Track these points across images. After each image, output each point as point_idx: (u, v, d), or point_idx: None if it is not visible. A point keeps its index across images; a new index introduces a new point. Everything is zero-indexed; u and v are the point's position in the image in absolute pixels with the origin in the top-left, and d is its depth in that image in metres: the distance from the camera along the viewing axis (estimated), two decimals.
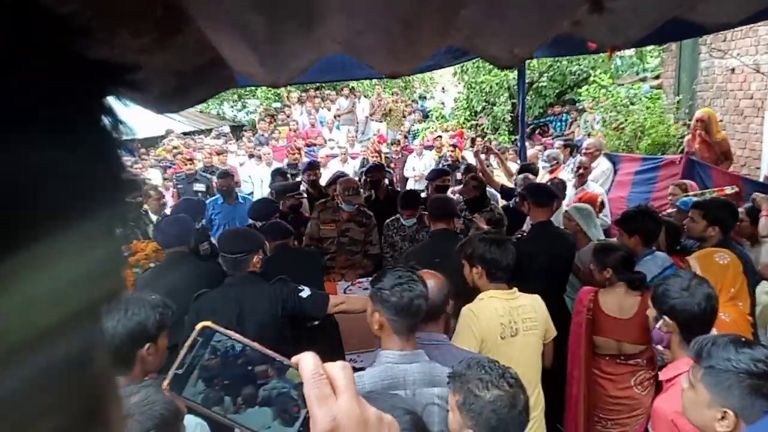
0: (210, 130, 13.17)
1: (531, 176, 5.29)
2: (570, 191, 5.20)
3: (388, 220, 4.47)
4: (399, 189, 6.02)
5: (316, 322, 3.51)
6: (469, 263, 2.61)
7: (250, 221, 4.41)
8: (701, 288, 2.06)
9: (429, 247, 3.48)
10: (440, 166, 8.04)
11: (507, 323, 2.40)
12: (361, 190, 4.71)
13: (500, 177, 6.25)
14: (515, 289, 2.55)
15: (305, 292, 2.87)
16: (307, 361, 0.54)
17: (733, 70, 7.37)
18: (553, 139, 9.68)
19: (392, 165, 8.98)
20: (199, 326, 0.54)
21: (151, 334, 1.81)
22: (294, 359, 0.55)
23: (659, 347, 2.92)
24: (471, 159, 8.07)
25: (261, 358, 0.54)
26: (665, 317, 2.05)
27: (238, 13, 1.16)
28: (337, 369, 0.54)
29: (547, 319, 2.55)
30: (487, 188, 5.14)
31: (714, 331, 2.60)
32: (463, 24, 1.32)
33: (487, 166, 6.10)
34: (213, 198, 5.65)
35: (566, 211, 3.88)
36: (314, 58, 1.45)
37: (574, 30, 1.39)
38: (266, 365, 0.54)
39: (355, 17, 1.22)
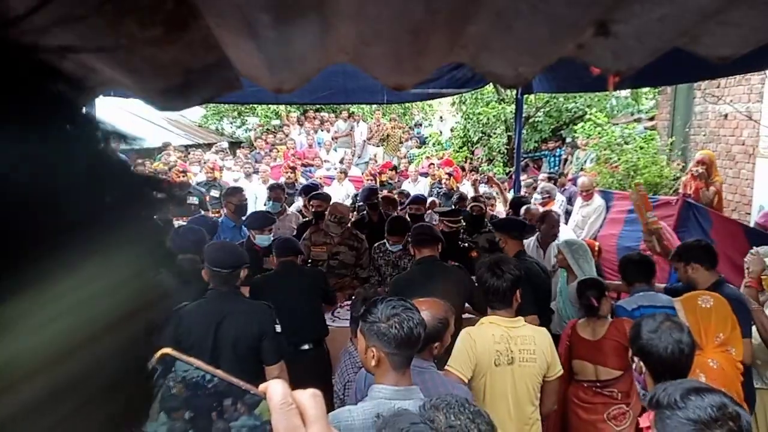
0: (209, 145, 13.19)
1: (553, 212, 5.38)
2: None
3: (375, 245, 4.47)
4: (389, 213, 6.06)
5: (306, 347, 3.49)
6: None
7: (248, 232, 4.39)
8: (672, 332, 2.04)
9: (417, 274, 3.46)
10: (434, 193, 8.08)
11: (503, 350, 2.39)
12: (349, 217, 4.71)
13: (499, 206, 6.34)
14: (521, 318, 2.53)
15: (278, 328, 2.87)
16: (275, 390, 0.50)
17: (726, 116, 7.53)
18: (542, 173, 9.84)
19: (393, 192, 8.99)
20: (158, 353, 0.50)
21: None
22: (262, 387, 0.51)
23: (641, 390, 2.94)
24: (466, 189, 8.13)
25: (227, 388, 0.50)
26: (635, 358, 2.08)
27: (248, 13, 1.17)
28: (308, 398, 0.50)
29: (552, 355, 2.50)
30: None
31: (702, 378, 2.59)
32: (469, 40, 1.33)
33: (488, 198, 6.20)
34: (221, 220, 5.31)
35: (557, 245, 3.91)
36: (321, 65, 1.45)
37: (578, 54, 1.41)
38: (234, 397, 0.50)
39: (365, 26, 1.23)
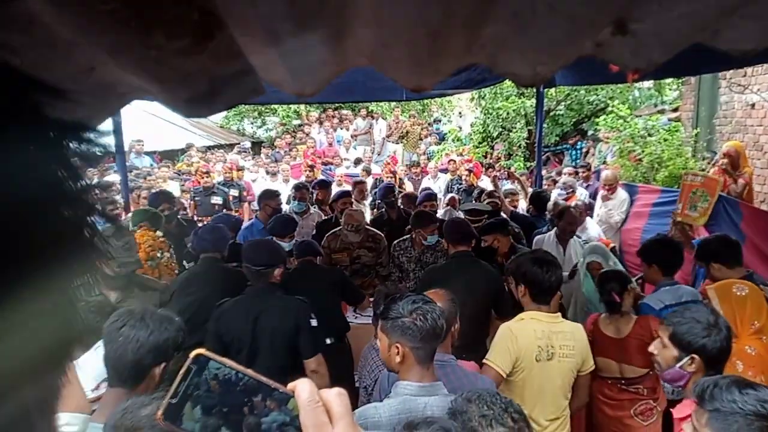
0: (231, 146, 13.36)
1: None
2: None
3: (395, 242, 4.50)
4: (409, 210, 6.10)
5: (329, 341, 3.55)
6: (515, 280, 2.63)
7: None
8: (722, 320, 2.01)
9: (453, 267, 3.54)
10: (453, 188, 8.07)
11: (544, 346, 2.39)
12: (364, 222, 4.75)
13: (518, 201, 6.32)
14: (559, 314, 2.55)
15: (314, 322, 2.93)
16: (302, 389, 0.53)
17: (753, 105, 7.34)
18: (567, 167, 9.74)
19: (404, 186, 9.00)
20: (192, 354, 0.53)
21: (169, 354, 1.81)
22: (290, 386, 0.54)
23: (667, 386, 2.88)
24: (485, 184, 8.10)
25: (257, 386, 0.53)
26: (695, 356, 1.95)
27: (271, 22, 1.20)
28: (333, 396, 0.54)
29: (587, 350, 2.52)
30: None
31: (739, 364, 2.55)
32: (487, 40, 1.34)
33: (512, 194, 6.19)
34: (250, 223, 5.31)
35: (593, 260, 3.78)
36: (341, 69, 1.48)
37: (597, 52, 1.41)
38: (263, 394, 0.53)
39: (384, 29, 1.25)
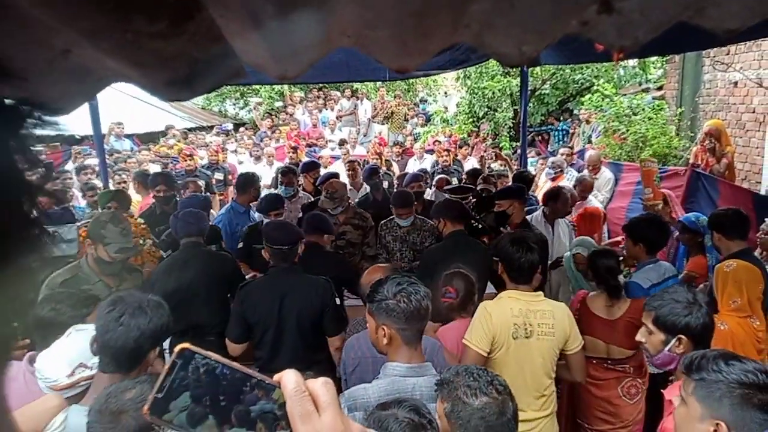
0: (211, 127, 13.15)
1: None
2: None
3: (382, 222, 4.50)
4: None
5: None
6: (498, 258, 2.66)
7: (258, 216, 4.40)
8: (700, 297, 2.04)
9: (450, 246, 3.59)
10: (436, 169, 8.05)
11: (521, 324, 2.41)
12: (345, 193, 4.72)
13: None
14: (540, 293, 2.56)
15: (338, 300, 2.97)
16: (288, 379, 0.53)
17: (735, 83, 7.40)
18: (549, 147, 9.79)
19: (392, 168, 8.96)
20: (177, 348, 0.53)
21: (162, 338, 1.84)
22: (276, 377, 0.54)
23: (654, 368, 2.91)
24: (471, 164, 8.09)
25: (244, 377, 0.54)
26: (681, 337, 1.96)
27: (252, 3, 1.17)
28: (320, 385, 0.54)
29: (572, 328, 2.51)
30: None
31: None
32: (472, 19, 1.32)
33: (503, 176, 6.22)
34: (229, 207, 5.10)
35: (578, 253, 3.77)
36: (324, 51, 1.45)
37: (582, 30, 1.39)
38: (249, 385, 0.54)
39: (367, 9, 1.23)
